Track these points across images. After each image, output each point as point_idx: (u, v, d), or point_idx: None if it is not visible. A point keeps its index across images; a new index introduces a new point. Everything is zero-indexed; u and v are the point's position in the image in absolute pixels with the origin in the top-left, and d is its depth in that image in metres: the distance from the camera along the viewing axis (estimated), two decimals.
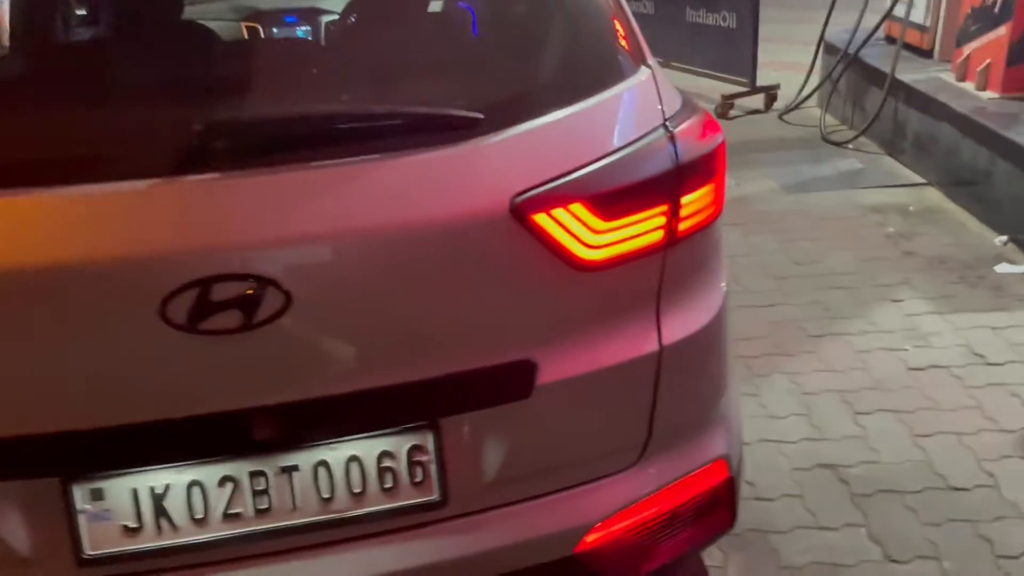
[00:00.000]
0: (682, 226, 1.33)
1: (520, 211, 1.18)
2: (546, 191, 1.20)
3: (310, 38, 2.00)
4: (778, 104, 6.20)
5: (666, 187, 1.30)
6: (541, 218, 1.20)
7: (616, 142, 1.27)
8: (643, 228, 1.28)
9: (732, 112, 6.22)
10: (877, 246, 3.85)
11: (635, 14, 6.32)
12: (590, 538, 1.35)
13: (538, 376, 1.25)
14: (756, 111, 6.26)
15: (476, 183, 1.20)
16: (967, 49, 4.60)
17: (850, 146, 5.23)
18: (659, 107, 1.35)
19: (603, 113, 1.30)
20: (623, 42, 1.40)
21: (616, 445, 1.37)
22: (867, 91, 5.33)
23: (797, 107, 6.00)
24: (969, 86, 4.52)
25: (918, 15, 5.32)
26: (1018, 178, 3.69)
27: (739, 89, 6.25)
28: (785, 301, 3.41)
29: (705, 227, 1.39)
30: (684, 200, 1.32)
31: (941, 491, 2.31)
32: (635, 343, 1.33)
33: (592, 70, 1.33)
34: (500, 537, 1.30)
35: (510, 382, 1.25)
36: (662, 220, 1.30)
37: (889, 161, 4.97)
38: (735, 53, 6.21)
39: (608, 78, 1.33)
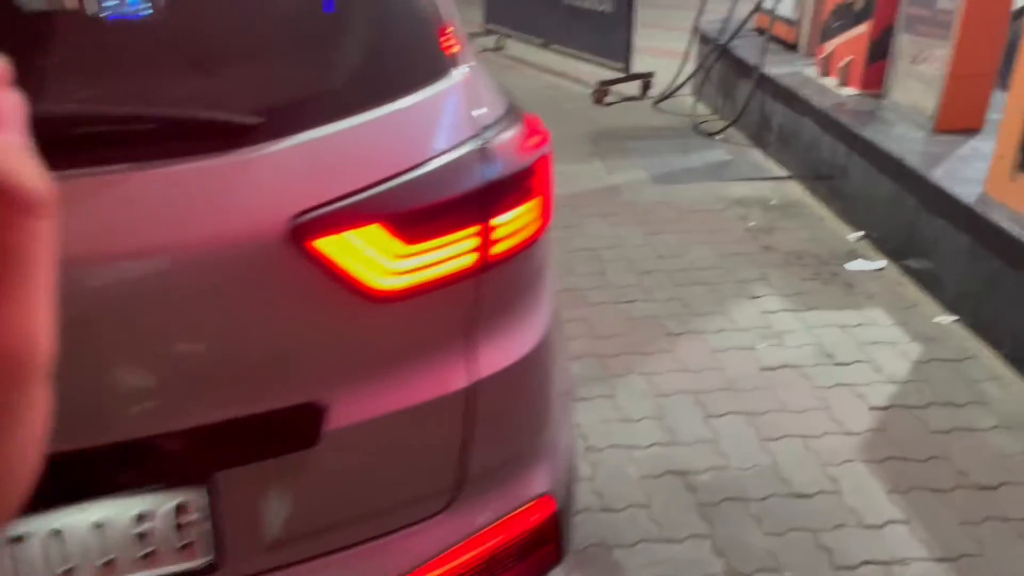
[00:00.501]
0: (497, 249, 1.20)
1: (300, 234, 1.02)
2: (331, 211, 1.04)
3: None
4: (654, 91, 6.20)
5: (477, 206, 1.16)
6: (326, 242, 1.04)
7: (419, 155, 1.12)
8: (450, 253, 1.14)
9: (608, 98, 6.18)
10: (738, 240, 3.87)
11: None
12: None
13: (327, 421, 1.10)
14: (632, 98, 6.25)
15: (248, 201, 1.02)
16: (830, 45, 4.68)
17: (719, 137, 5.27)
18: (474, 115, 1.21)
19: (405, 121, 1.15)
20: (434, 39, 1.24)
21: (423, 491, 1.24)
22: (737, 83, 5.38)
23: (671, 96, 6.01)
24: (831, 82, 4.60)
25: (786, 9, 5.39)
26: (871, 175, 3.77)
27: (616, 75, 6.21)
28: (647, 297, 3.37)
29: (526, 248, 1.26)
30: (499, 220, 1.19)
31: (785, 498, 2.31)
32: (442, 379, 1.19)
33: (394, 71, 1.17)
34: None
35: (294, 428, 1.09)
36: (473, 243, 1.16)
37: (756, 154, 5.03)
38: (610, 38, 6.16)
39: (413, 81, 1.18)
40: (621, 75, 6.18)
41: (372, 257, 1.07)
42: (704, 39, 6.04)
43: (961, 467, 2.42)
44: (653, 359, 2.95)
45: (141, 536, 1.05)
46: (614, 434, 2.57)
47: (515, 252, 1.23)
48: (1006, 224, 2.91)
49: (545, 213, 1.32)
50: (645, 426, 2.61)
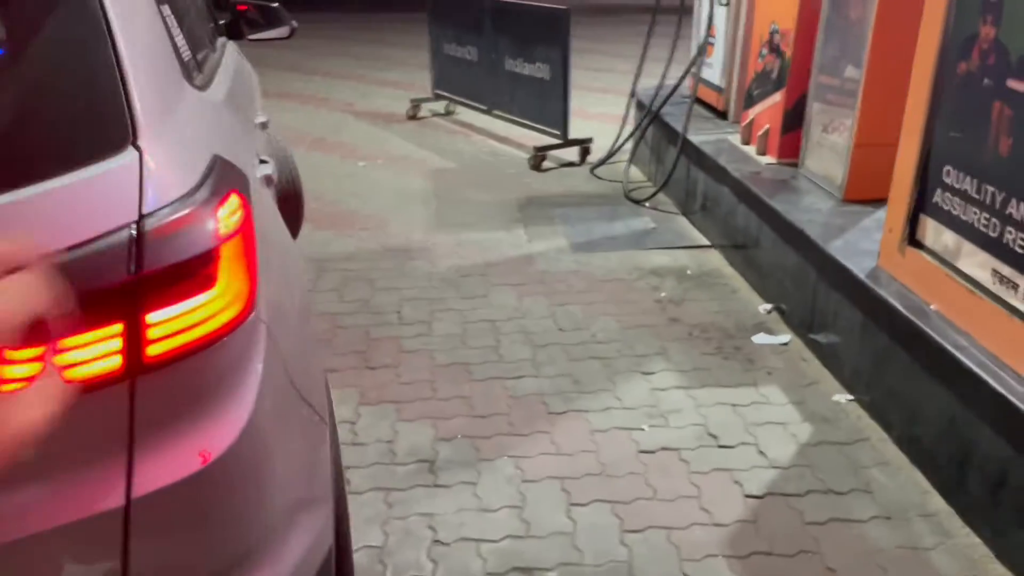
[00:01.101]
0: (155, 349, 1.07)
1: None
2: None
3: None
4: (593, 157, 6.15)
5: (119, 302, 1.03)
6: None
7: (43, 246, 0.99)
8: (85, 355, 1.01)
9: (545, 164, 6.13)
10: (645, 312, 3.74)
11: (459, 60, 6.16)
12: None
13: None
14: (571, 164, 6.20)
15: None
16: (751, 113, 4.63)
17: (647, 204, 5.20)
18: (136, 199, 1.09)
19: (37, 208, 1.03)
20: (102, 116, 1.13)
21: None
22: (667, 149, 5.33)
23: (607, 162, 5.96)
24: (752, 150, 4.54)
25: (714, 76, 5.38)
26: (779, 246, 3.67)
27: (553, 141, 6.18)
28: (537, 372, 3.23)
29: (206, 345, 1.12)
30: (154, 317, 1.06)
31: None
32: (91, 498, 1.05)
33: (40, 151, 1.06)
34: None
35: None
36: (117, 344, 1.03)
37: (682, 221, 4.94)
38: (548, 105, 6.14)
39: (64, 162, 1.06)
40: (558, 141, 6.14)
41: None
42: (640, 104, 6.01)
43: (831, 562, 2.25)
44: (528, 441, 2.79)
45: None
46: (467, 525, 2.40)
47: (187, 351, 1.10)
48: (895, 299, 2.79)
49: (243, 301, 1.19)
50: (502, 516, 2.44)
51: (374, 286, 4.01)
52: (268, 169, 1.89)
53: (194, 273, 1.10)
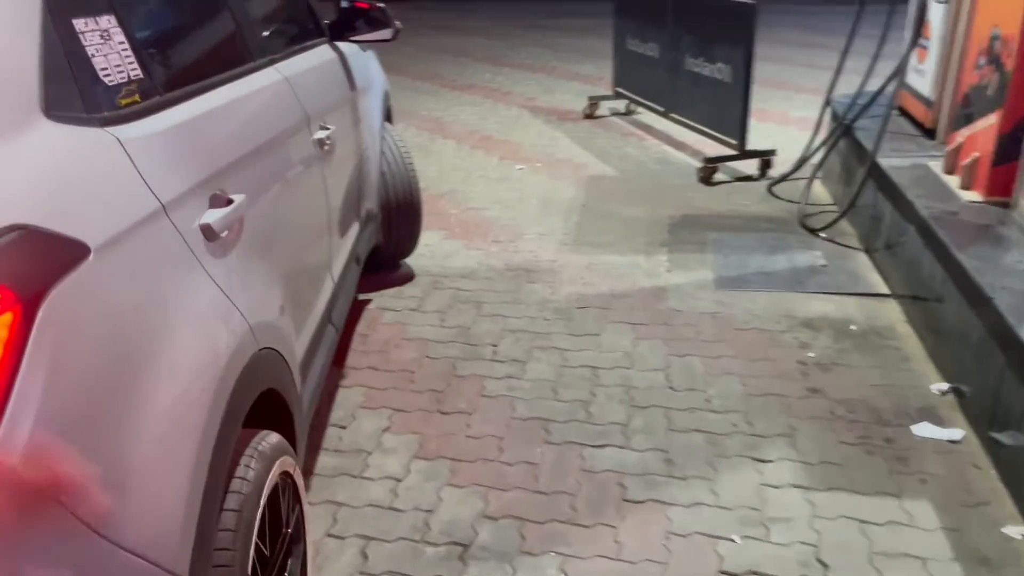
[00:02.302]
0: None
1: None
2: None
3: None
4: (776, 171, 5.42)
5: None
6: None
7: None
8: None
9: (717, 177, 5.49)
10: (782, 375, 3.10)
11: (641, 57, 5.69)
12: None
13: None
14: (747, 178, 5.50)
15: None
16: (959, 136, 3.77)
17: (823, 234, 4.44)
18: None
19: None
20: None
21: None
22: (856, 170, 4.53)
23: (789, 177, 5.21)
24: (954, 181, 3.70)
25: (924, 85, 4.49)
26: (964, 312, 2.90)
27: (727, 151, 5.51)
28: (625, 442, 2.73)
29: None
30: None
31: None
32: None
33: None
34: None
35: None
36: None
37: (861, 259, 4.16)
38: (726, 110, 5.48)
39: None
40: (733, 152, 5.46)
41: None
42: (835, 113, 5.20)
43: None
44: (586, 536, 2.32)
45: None
46: None
47: None
48: None
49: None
50: None
51: (480, 311, 3.66)
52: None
53: None
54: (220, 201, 1.60)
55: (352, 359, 3.27)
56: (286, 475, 1.70)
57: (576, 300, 3.75)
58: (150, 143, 1.42)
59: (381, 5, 3.12)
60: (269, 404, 1.76)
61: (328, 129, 2.53)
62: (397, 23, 3.14)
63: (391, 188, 3.68)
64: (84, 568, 1.05)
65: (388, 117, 3.96)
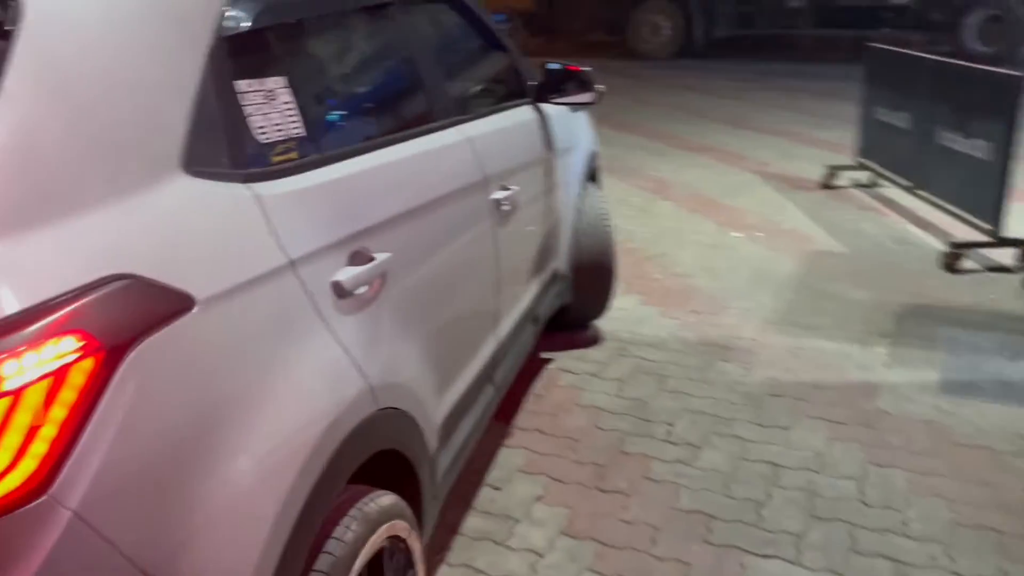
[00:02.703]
0: None
1: None
2: None
3: None
4: None
5: None
6: None
7: None
8: None
9: (964, 264, 4.89)
10: (1001, 507, 2.64)
11: (889, 127, 5.42)
12: None
13: None
14: (1002, 268, 4.85)
15: None
16: None
17: None
18: None
19: None
20: None
21: None
22: None
23: None
24: None
25: None
26: None
27: (980, 237, 4.90)
28: (795, 557, 2.43)
29: None
30: None
31: None
32: None
33: None
34: None
35: None
36: None
37: None
38: (981, 190, 4.89)
39: None
40: (986, 239, 4.85)
41: None
42: None
43: None
44: None
45: None
46: None
47: None
48: None
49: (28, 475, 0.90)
50: None
51: (663, 385, 3.48)
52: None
53: None
54: (360, 259, 1.62)
55: (521, 418, 3.22)
56: (396, 539, 1.66)
57: (770, 386, 3.46)
58: (291, 200, 1.47)
59: (587, 69, 3.10)
60: (391, 464, 1.75)
61: (509, 190, 2.53)
62: (600, 87, 3.11)
63: (585, 249, 3.63)
64: None
65: (593, 177, 3.93)
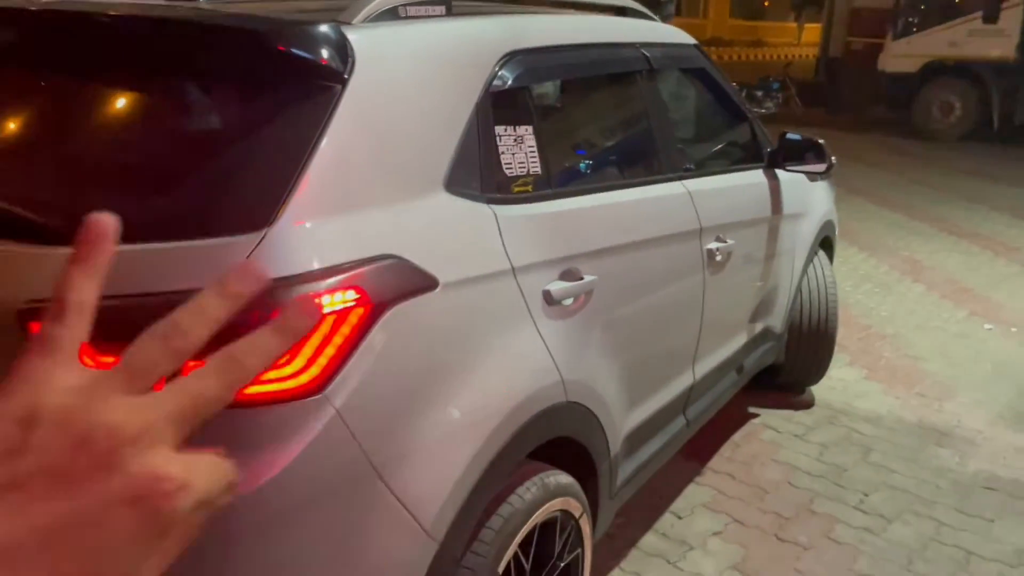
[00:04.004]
0: None
1: None
2: None
3: None
4: None
5: None
6: None
7: None
8: None
9: None
10: None
11: None
12: None
13: None
14: None
15: None
16: None
17: None
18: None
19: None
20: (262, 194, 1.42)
21: None
22: None
23: None
24: None
25: None
26: None
27: None
28: None
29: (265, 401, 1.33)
30: None
31: None
32: None
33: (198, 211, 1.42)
34: None
35: None
36: None
37: None
38: None
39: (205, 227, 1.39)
40: None
41: None
42: None
43: None
44: None
45: None
46: None
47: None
48: None
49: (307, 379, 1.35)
50: None
51: (867, 458, 3.48)
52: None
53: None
54: (570, 276, 1.98)
55: (715, 461, 3.40)
56: (568, 514, 1.98)
57: (984, 479, 3.35)
58: (521, 222, 1.86)
59: (822, 141, 3.27)
60: (575, 453, 2.07)
61: (725, 243, 2.78)
62: (832, 159, 3.25)
63: (805, 315, 3.74)
64: (363, 504, 1.47)
65: (827, 246, 4.02)
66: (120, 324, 1.35)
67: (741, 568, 2.71)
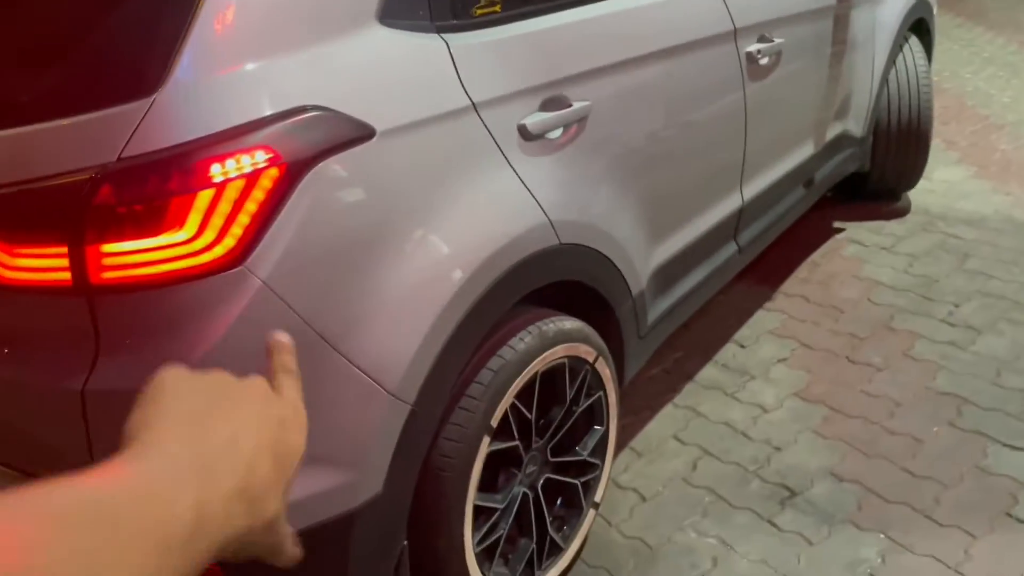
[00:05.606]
0: (108, 274, 1.26)
1: None
2: None
3: None
4: None
5: (70, 226, 1.25)
6: None
7: None
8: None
9: None
10: None
11: None
12: None
13: None
14: None
15: None
16: None
17: None
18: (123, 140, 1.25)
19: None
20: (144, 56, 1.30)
21: (61, 460, 1.41)
22: None
23: None
24: None
25: None
26: None
27: None
28: None
29: (165, 282, 1.27)
30: (109, 247, 1.25)
31: None
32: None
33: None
34: None
35: None
36: (64, 263, 1.26)
37: None
38: None
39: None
40: None
41: None
42: None
43: None
44: (933, 532, 2.02)
45: None
46: None
47: (141, 282, 1.27)
48: None
49: (225, 251, 1.28)
50: None
51: (963, 265, 3.16)
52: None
53: (154, 211, 1.24)
54: (554, 105, 1.77)
55: (788, 284, 3.17)
56: (578, 360, 1.87)
57: None
58: (484, 50, 1.66)
59: None
60: (590, 296, 1.94)
61: (771, 42, 2.45)
62: None
63: (893, 114, 3.34)
64: (321, 376, 1.40)
65: (922, 32, 3.52)
66: (16, 209, 1.32)
67: (803, 394, 2.56)
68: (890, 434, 2.35)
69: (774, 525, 2.09)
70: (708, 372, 2.72)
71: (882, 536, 2.02)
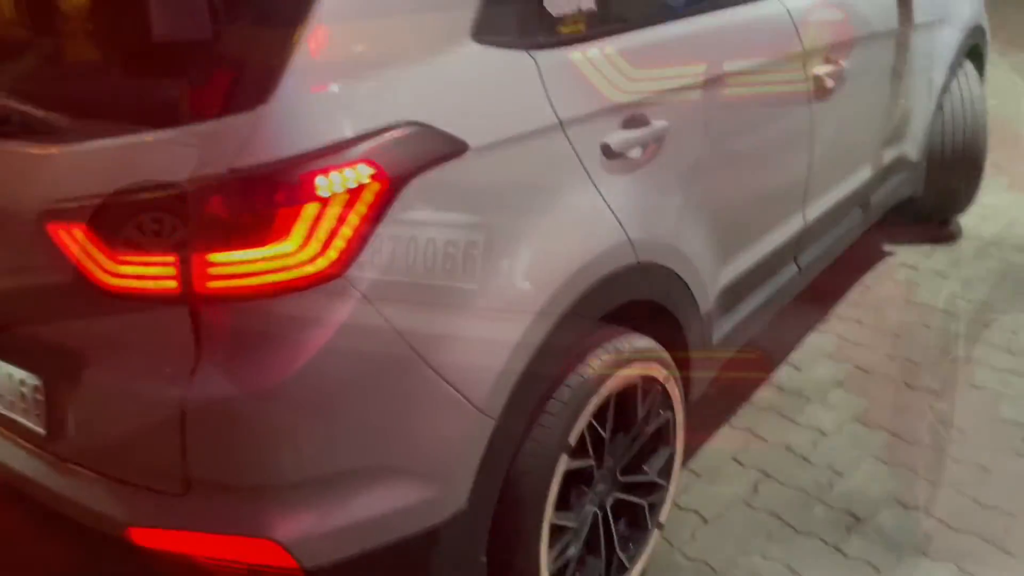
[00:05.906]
0: (214, 284, 1.27)
1: None
2: None
3: None
4: None
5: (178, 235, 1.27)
6: None
7: None
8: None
9: None
10: None
11: None
12: (138, 534, 1.46)
13: None
14: None
15: None
16: None
17: None
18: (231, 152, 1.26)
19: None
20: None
21: (155, 467, 1.42)
22: None
23: None
24: None
25: None
26: None
27: None
28: None
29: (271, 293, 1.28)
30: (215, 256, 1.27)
31: None
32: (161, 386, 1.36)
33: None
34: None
35: None
36: (172, 271, 1.28)
37: None
38: None
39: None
40: None
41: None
42: None
43: None
44: (1006, 564, 1.99)
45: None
46: None
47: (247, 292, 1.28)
48: None
49: (328, 263, 1.28)
50: None
51: (1017, 291, 3.13)
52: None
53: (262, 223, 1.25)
54: (635, 124, 1.77)
55: (841, 307, 3.15)
56: (650, 379, 1.86)
57: None
58: (567, 67, 1.66)
59: None
60: (661, 316, 1.93)
61: (836, 65, 2.44)
62: None
63: (947, 138, 3.31)
64: (411, 389, 1.41)
65: (975, 57, 3.50)
66: (127, 218, 1.33)
67: (863, 420, 2.53)
68: (955, 462, 2.32)
69: (841, 552, 2.06)
70: (764, 394, 2.70)
71: (955, 567, 1.99)
